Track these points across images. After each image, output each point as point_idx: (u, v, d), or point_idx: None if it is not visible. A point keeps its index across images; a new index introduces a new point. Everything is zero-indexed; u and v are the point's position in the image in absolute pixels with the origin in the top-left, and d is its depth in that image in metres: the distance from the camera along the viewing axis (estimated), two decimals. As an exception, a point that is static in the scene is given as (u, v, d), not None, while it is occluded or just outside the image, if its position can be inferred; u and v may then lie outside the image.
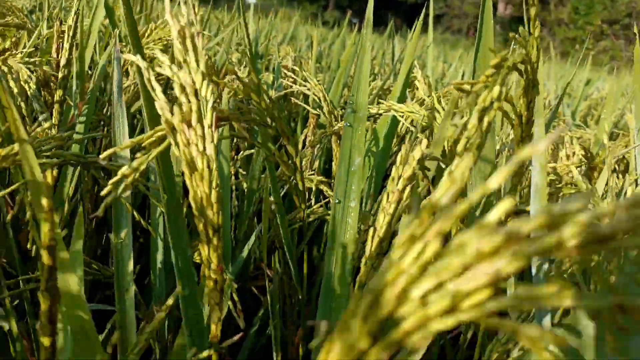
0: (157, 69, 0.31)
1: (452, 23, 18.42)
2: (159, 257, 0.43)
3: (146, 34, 0.66)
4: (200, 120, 0.28)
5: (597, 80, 2.31)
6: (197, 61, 0.29)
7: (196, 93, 0.29)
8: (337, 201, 0.35)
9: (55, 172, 0.46)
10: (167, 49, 0.72)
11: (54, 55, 0.54)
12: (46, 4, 0.90)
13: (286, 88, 0.75)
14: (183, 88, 0.29)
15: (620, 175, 0.63)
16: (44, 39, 0.63)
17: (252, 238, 0.45)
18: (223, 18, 2.62)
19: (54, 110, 0.50)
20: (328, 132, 0.55)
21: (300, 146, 0.66)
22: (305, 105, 0.65)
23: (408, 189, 0.29)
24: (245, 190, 0.56)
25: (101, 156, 0.29)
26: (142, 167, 0.29)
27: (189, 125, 0.27)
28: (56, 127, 0.49)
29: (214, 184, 0.27)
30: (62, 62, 0.51)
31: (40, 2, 1.21)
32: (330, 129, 0.56)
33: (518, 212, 0.39)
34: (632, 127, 0.62)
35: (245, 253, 0.45)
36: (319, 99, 0.62)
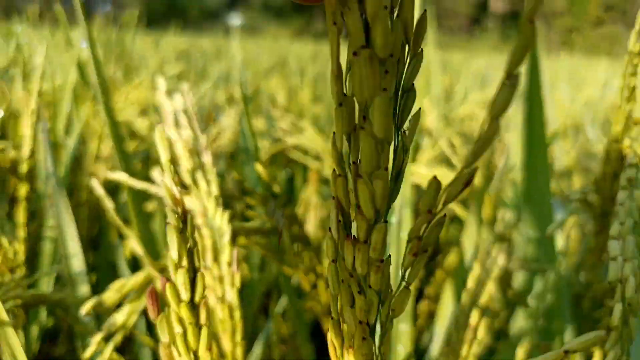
0: (154, 190, 0.28)
1: (442, 23, 18.52)
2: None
3: (125, 97, 0.63)
4: (216, 257, 0.25)
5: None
6: (208, 183, 0.26)
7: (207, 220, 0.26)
8: None
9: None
10: (145, 111, 0.69)
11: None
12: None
13: (280, 139, 0.72)
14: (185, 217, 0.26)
15: None
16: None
17: (261, 340, 0.39)
18: (208, 49, 2.61)
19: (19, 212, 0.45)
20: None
21: (302, 209, 0.62)
22: (303, 158, 0.60)
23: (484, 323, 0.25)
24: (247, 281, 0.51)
25: (83, 310, 0.25)
26: (131, 321, 0.25)
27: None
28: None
29: (238, 337, 0.23)
30: (26, 152, 0.44)
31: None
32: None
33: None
34: None
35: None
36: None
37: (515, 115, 0.44)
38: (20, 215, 0.49)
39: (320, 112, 1.05)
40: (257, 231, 0.29)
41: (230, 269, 0.24)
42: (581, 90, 1.82)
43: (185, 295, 0.17)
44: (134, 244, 0.26)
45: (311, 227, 0.60)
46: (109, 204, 0.28)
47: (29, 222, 0.49)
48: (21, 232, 0.49)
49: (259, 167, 0.30)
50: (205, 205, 0.25)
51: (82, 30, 0.33)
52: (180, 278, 0.17)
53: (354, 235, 0.13)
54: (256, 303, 0.48)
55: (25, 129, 0.52)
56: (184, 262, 0.17)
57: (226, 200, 0.32)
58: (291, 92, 1.13)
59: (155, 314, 0.17)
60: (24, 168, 0.50)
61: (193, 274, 0.17)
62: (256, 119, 0.80)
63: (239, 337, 0.24)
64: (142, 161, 0.63)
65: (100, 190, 0.28)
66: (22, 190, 0.51)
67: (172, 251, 0.17)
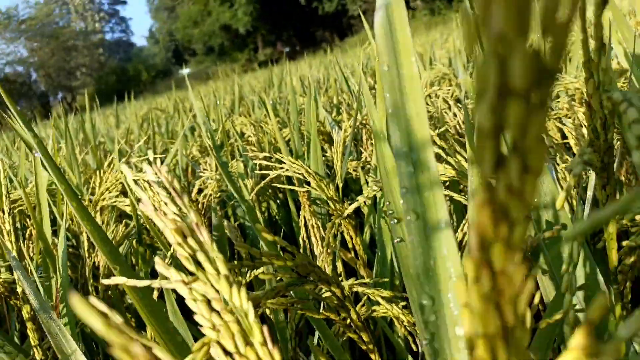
0: (164, 284, 0.25)
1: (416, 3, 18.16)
2: None
3: (99, 184, 0.60)
4: (248, 341, 0.22)
5: None
6: (212, 261, 0.24)
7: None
8: (425, 342, 0.23)
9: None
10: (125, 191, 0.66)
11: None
12: None
13: (260, 174, 0.70)
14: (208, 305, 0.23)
15: None
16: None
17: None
18: (167, 107, 2.59)
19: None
20: (336, 222, 0.48)
21: (304, 232, 0.59)
22: (289, 187, 0.58)
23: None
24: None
25: None
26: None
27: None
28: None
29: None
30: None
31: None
32: (336, 214, 0.50)
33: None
34: None
35: None
36: (302, 174, 0.57)
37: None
38: (32, 337, 0.46)
39: (288, 135, 1.03)
40: (277, 293, 0.27)
41: (265, 348, 0.22)
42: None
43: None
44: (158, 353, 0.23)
45: (317, 248, 0.58)
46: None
47: (40, 342, 0.46)
48: (37, 355, 0.46)
49: (259, 228, 0.28)
50: (217, 288, 0.23)
51: (30, 139, 0.31)
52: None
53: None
54: (290, 345, 0.45)
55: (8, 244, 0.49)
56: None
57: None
58: (256, 125, 1.11)
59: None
60: (19, 289, 0.47)
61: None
62: (235, 161, 0.78)
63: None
64: (136, 240, 0.61)
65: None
66: (25, 311, 0.48)
67: None
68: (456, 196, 0.42)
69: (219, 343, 0.21)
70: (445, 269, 0.24)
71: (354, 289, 0.40)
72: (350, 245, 0.54)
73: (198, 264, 0.23)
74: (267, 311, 0.53)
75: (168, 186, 0.26)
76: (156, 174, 0.27)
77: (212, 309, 0.22)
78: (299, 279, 0.26)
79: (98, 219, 0.55)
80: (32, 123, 2.14)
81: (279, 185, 0.56)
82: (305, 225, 0.59)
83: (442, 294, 0.24)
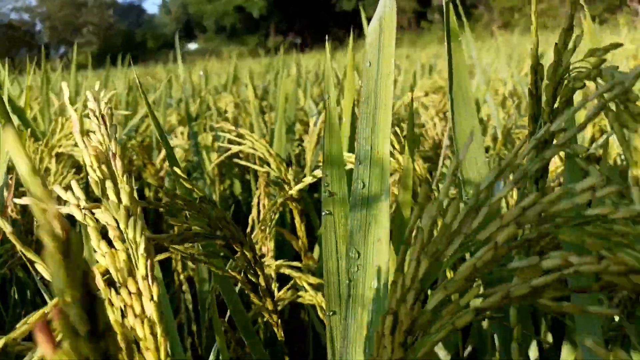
0: (62, 209, 0.26)
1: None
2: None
3: (56, 131, 0.59)
4: (132, 272, 0.23)
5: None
6: (117, 193, 0.24)
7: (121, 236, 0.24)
8: (330, 313, 0.28)
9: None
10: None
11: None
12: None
13: (225, 147, 0.70)
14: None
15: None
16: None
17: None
18: (162, 74, 2.57)
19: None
20: (279, 201, 0.49)
21: (255, 212, 0.60)
22: (251, 165, 0.58)
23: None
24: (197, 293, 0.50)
25: None
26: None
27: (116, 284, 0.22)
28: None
29: (163, 354, 0.22)
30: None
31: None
32: (282, 194, 0.50)
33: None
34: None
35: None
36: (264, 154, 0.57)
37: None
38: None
39: (270, 120, 1.03)
40: (183, 239, 0.28)
41: (146, 282, 0.23)
42: (520, 65, 1.85)
43: (81, 326, 0.15)
44: (43, 273, 0.24)
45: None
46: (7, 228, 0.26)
47: None
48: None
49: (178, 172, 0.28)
50: (115, 217, 0.24)
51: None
52: (73, 309, 0.15)
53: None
54: (207, 314, 0.46)
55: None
56: (74, 291, 0.15)
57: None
58: (240, 106, 1.11)
59: (50, 350, 0.15)
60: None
61: (90, 301, 0.15)
62: (206, 134, 0.78)
63: (163, 353, 0.22)
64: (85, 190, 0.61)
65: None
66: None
67: (56, 279, 0.15)
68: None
69: (82, 277, 0.22)
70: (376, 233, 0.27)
71: (282, 271, 0.40)
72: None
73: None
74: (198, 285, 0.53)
75: (97, 116, 0.26)
76: (95, 103, 0.27)
77: (107, 239, 0.23)
78: (209, 232, 0.26)
79: (53, 165, 0.55)
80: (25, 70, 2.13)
81: (241, 163, 0.57)
82: (258, 204, 0.59)
83: (369, 249, 0.28)
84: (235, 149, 0.57)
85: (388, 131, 0.29)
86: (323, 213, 0.29)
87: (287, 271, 0.41)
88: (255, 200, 0.59)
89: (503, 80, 1.36)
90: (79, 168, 0.63)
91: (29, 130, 0.60)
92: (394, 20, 0.30)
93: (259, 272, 0.30)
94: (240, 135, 0.58)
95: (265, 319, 0.46)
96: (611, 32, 3.10)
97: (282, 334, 0.34)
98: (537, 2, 0.31)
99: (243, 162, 0.57)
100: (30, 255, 0.23)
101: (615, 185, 0.16)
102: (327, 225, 0.29)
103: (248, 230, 0.57)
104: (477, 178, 0.35)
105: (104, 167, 0.26)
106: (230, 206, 0.79)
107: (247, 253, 0.29)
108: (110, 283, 0.24)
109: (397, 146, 0.45)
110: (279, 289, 0.45)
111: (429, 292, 0.19)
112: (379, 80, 0.29)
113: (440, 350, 0.46)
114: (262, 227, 0.48)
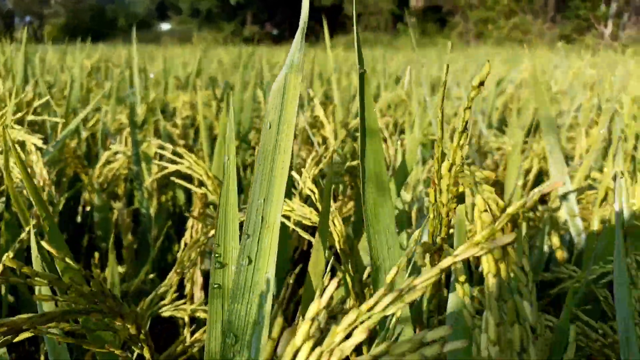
0: None
1: (369, 21, 18.74)
2: None
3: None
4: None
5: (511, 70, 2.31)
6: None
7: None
8: None
9: None
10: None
11: None
12: None
13: (161, 165, 0.66)
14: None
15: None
16: None
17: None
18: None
19: None
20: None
21: (188, 235, 0.56)
22: (187, 184, 0.54)
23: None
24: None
25: None
26: None
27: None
28: None
29: None
30: None
31: None
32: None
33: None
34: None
35: None
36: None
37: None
38: None
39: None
40: (48, 320, 0.24)
41: None
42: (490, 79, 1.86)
43: None
44: None
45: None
46: None
47: None
48: None
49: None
50: None
51: None
52: None
53: None
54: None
55: None
56: None
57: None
58: (196, 107, 1.07)
59: None
60: None
61: None
62: (149, 142, 0.73)
63: None
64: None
65: None
66: None
67: None
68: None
69: None
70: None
71: (197, 315, 0.37)
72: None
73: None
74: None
75: None
76: None
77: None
78: (84, 307, 0.23)
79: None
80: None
81: (177, 181, 0.53)
82: (192, 228, 0.56)
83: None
84: (172, 168, 0.53)
85: (281, 200, 0.27)
86: (211, 287, 0.27)
87: (203, 315, 0.38)
88: (189, 223, 0.56)
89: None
90: None
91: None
92: (299, 78, 0.29)
93: (144, 345, 0.27)
94: (178, 154, 0.54)
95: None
96: (577, 56, 3.19)
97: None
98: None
99: (179, 181, 0.53)
100: None
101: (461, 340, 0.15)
102: (214, 304, 0.26)
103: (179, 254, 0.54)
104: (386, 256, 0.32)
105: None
106: (169, 219, 0.75)
107: (129, 327, 0.26)
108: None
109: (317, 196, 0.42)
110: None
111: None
112: (278, 143, 0.28)
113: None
114: (178, 270, 0.44)
